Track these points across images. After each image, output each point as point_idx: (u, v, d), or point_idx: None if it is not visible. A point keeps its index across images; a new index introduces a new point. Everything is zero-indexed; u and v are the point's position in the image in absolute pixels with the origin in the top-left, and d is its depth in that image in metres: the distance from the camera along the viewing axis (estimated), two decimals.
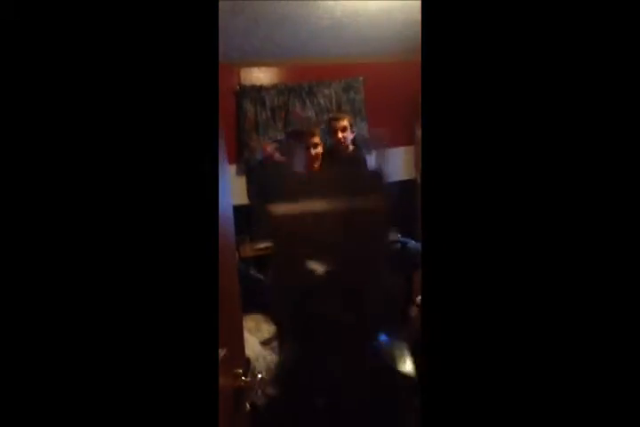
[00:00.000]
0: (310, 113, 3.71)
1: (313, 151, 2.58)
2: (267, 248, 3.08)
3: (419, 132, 3.91)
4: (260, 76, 3.70)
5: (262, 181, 2.97)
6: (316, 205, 1.82)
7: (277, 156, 2.88)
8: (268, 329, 2.74)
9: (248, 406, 1.15)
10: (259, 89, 3.62)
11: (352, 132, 2.93)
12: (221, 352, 0.99)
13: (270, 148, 2.98)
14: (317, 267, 1.77)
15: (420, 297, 2.37)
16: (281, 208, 1.86)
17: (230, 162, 3.46)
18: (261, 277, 2.88)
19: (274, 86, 3.66)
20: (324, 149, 2.68)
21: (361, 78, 3.87)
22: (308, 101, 3.72)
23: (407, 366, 1.79)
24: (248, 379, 1.14)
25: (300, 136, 2.76)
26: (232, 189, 1.46)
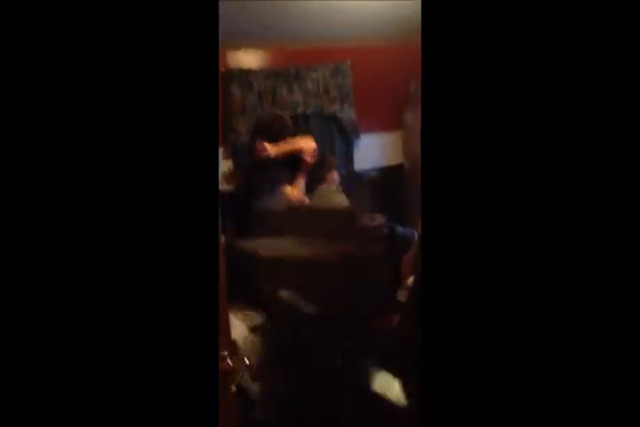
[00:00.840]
0: (298, 97, 3.69)
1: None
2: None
3: (406, 117, 3.90)
4: (248, 59, 3.66)
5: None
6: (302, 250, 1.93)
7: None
8: (253, 314, 2.74)
9: (234, 388, 1.15)
10: (246, 72, 3.58)
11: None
12: None
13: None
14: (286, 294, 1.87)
15: (410, 280, 2.39)
16: (267, 251, 1.95)
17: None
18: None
19: (261, 70, 3.62)
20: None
21: (349, 62, 3.83)
22: (295, 85, 3.68)
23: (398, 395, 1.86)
24: (233, 362, 1.14)
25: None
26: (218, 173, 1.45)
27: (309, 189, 3.11)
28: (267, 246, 1.99)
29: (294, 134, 2.90)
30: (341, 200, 2.96)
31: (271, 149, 2.67)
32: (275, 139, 2.72)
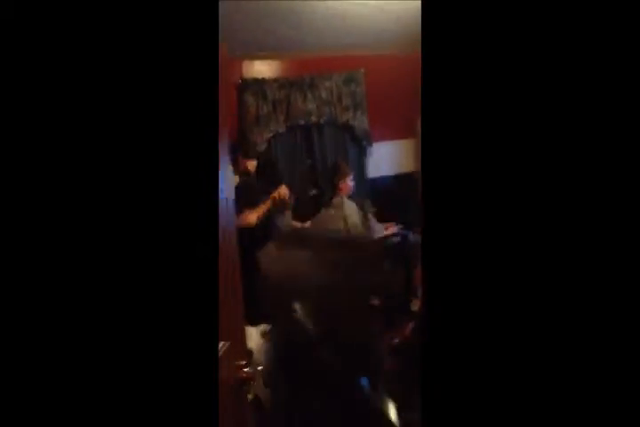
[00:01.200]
0: (311, 106, 3.72)
1: None
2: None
3: (419, 125, 3.91)
4: (262, 69, 3.70)
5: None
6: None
7: None
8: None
9: (250, 396, 1.17)
10: (260, 82, 3.61)
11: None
12: (224, 345, 1.01)
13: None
14: (298, 308, 1.93)
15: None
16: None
17: None
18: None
19: (275, 79, 3.66)
20: None
21: (362, 70, 3.86)
22: (309, 94, 3.71)
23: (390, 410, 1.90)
24: (250, 370, 1.16)
25: None
26: (231, 182, 1.47)
27: (313, 211, 3.16)
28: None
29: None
30: (341, 226, 2.98)
31: (251, 218, 2.72)
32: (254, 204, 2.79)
